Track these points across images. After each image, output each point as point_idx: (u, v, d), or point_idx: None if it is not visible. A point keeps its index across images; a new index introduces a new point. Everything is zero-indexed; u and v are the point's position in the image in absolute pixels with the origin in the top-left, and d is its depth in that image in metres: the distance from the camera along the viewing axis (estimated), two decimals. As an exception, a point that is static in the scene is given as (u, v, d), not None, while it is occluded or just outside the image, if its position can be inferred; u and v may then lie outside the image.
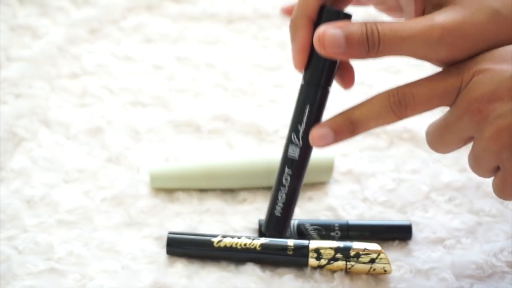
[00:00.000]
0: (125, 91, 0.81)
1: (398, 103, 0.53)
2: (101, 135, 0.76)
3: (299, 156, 0.56)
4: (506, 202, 0.70)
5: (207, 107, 0.80)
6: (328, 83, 0.56)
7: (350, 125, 0.54)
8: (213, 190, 0.71)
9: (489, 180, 0.71)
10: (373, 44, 0.52)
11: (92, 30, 0.89)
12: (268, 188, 0.71)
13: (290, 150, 0.56)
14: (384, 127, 0.77)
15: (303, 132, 0.56)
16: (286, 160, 0.57)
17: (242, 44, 0.89)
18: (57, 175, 0.72)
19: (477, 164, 0.54)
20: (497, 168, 0.53)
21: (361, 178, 0.72)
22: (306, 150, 0.56)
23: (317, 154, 0.71)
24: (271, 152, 0.74)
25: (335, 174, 0.73)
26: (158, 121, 0.78)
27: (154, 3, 0.93)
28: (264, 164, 0.71)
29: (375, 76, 0.84)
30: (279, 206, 0.57)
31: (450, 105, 0.53)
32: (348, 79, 0.58)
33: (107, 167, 0.73)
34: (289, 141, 0.56)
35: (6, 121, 0.76)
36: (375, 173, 0.73)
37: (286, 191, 0.57)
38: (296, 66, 0.56)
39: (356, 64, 0.59)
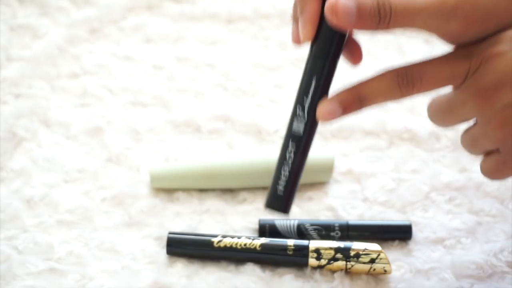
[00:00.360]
0: (125, 91, 0.81)
1: (406, 84, 0.53)
2: (101, 135, 0.76)
3: (304, 131, 0.54)
4: (506, 202, 0.70)
5: (207, 107, 0.80)
6: (337, 56, 0.54)
7: (358, 100, 0.54)
8: (213, 190, 0.71)
9: (489, 180, 0.72)
10: (384, 15, 0.51)
11: (92, 30, 0.89)
12: (268, 188, 0.71)
13: (294, 125, 0.54)
14: (384, 127, 0.77)
15: (309, 105, 0.54)
16: (290, 134, 0.54)
17: (242, 44, 0.89)
18: (57, 175, 0.72)
19: (473, 144, 0.55)
20: (492, 151, 0.54)
21: (361, 178, 0.72)
22: (311, 124, 0.54)
23: (317, 154, 0.71)
24: (271, 152, 0.74)
25: (335, 174, 0.73)
26: (158, 121, 0.78)
27: (154, 3, 0.93)
28: (264, 164, 0.71)
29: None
30: (282, 182, 0.55)
31: (457, 87, 0.53)
32: (356, 55, 0.57)
33: (107, 167, 0.73)
34: (294, 114, 0.54)
35: (6, 121, 0.76)
36: (375, 173, 0.73)
37: (289, 168, 0.55)
38: (305, 37, 0.54)
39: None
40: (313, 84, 0.54)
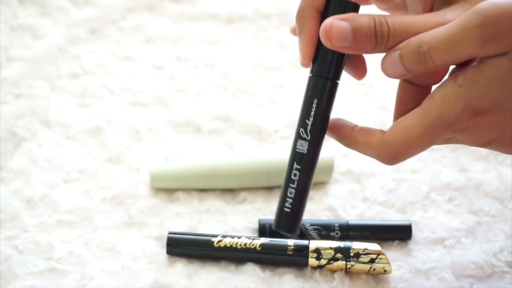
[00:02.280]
0: (125, 91, 0.81)
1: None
2: (101, 135, 0.76)
3: (308, 150, 0.55)
4: (506, 202, 0.70)
5: (207, 107, 0.80)
6: (337, 76, 0.54)
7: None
8: (213, 190, 0.71)
9: (489, 180, 0.72)
10: (381, 38, 0.50)
11: (92, 30, 0.89)
12: (268, 188, 0.71)
13: (298, 145, 0.55)
14: (384, 127, 0.77)
15: (311, 126, 0.54)
16: (295, 155, 0.55)
17: (242, 44, 0.89)
18: (57, 175, 0.72)
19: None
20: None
21: (361, 178, 0.72)
22: (315, 144, 0.55)
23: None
24: (271, 152, 0.74)
25: (335, 174, 0.73)
26: (158, 121, 0.78)
27: (154, 3, 0.93)
28: (264, 164, 0.71)
29: (375, 76, 0.83)
30: (289, 202, 0.55)
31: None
32: (360, 70, 0.57)
33: (107, 167, 0.73)
34: (298, 136, 0.55)
35: (6, 121, 0.76)
36: (375, 173, 0.73)
37: (295, 187, 0.55)
38: (304, 58, 0.54)
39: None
40: (314, 106, 0.54)
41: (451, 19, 0.50)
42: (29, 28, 0.88)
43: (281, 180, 0.70)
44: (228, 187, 0.71)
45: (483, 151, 0.75)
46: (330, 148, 0.75)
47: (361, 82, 0.83)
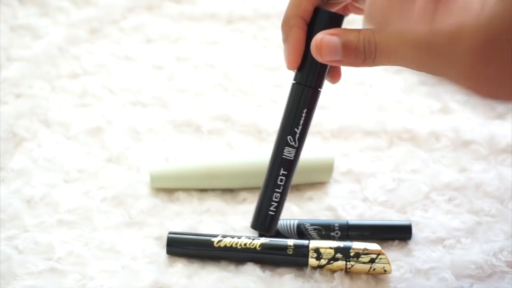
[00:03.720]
0: (125, 91, 0.81)
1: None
2: (101, 135, 0.76)
3: (294, 157, 0.57)
4: (506, 202, 0.70)
5: (207, 107, 0.80)
6: (321, 82, 0.56)
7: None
8: (213, 190, 0.71)
9: (489, 180, 0.72)
10: (369, 53, 0.52)
11: (92, 30, 0.89)
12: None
13: (286, 152, 0.57)
14: (384, 127, 0.77)
15: (300, 134, 0.56)
16: (281, 161, 0.57)
17: (242, 44, 0.89)
18: (57, 175, 0.72)
19: None
20: None
21: (361, 178, 0.72)
22: (300, 150, 0.57)
23: (317, 154, 0.71)
24: (271, 152, 0.74)
25: (335, 174, 0.73)
26: (158, 121, 0.78)
27: (154, 3, 0.93)
28: (264, 164, 0.70)
29: (375, 76, 0.84)
30: (274, 206, 0.57)
31: None
32: (336, 75, 0.58)
33: (107, 167, 0.73)
34: (285, 144, 0.57)
35: (6, 121, 0.76)
36: (375, 173, 0.73)
37: (281, 191, 0.57)
38: (289, 66, 0.56)
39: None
40: (304, 115, 0.56)
41: None
42: (29, 28, 0.88)
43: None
44: (228, 187, 0.71)
45: (483, 151, 0.75)
46: (330, 148, 0.76)
47: (361, 82, 0.83)
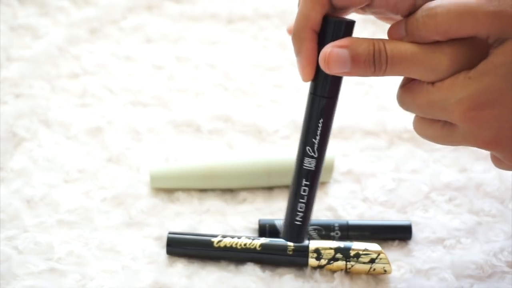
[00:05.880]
0: (125, 91, 0.81)
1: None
2: (101, 135, 0.76)
3: (316, 166, 0.56)
4: (506, 202, 0.70)
5: (207, 107, 0.80)
6: (338, 91, 0.55)
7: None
8: (213, 190, 0.71)
9: (489, 180, 0.72)
10: (379, 65, 0.51)
11: (92, 30, 0.89)
12: (268, 188, 0.71)
13: (306, 162, 0.56)
14: (384, 127, 0.77)
15: (318, 144, 0.56)
16: (303, 172, 0.57)
17: (242, 44, 0.89)
18: (57, 175, 0.72)
19: (428, 108, 0.53)
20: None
21: (361, 178, 0.72)
22: (322, 160, 0.57)
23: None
24: (271, 152, 0.74)
25: (335, 174, 0.73)
26: (158, 121, 0.78)
27: (154, 3, 0.93)
28: (264, 164, 0.71)
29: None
30: (300, 216, 0.57)
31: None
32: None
33: (107, 167, 0.73)
34: (305, 154, 0.56)
35: (6, 121, 0.76)
36: (375, 173, 0.73)
37: (305, 201, 0.57)
38: (304, 79, 0.55)
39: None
40: (320, 126, 0.55)
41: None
42: (29, 28, 0.88)
43: (281, 180, 0.70)
44: (228, 187, 0.71)
45: (483, 151, 0.75)
46: (330, 148, 0.75)
47: (361, 82, 0.83)
